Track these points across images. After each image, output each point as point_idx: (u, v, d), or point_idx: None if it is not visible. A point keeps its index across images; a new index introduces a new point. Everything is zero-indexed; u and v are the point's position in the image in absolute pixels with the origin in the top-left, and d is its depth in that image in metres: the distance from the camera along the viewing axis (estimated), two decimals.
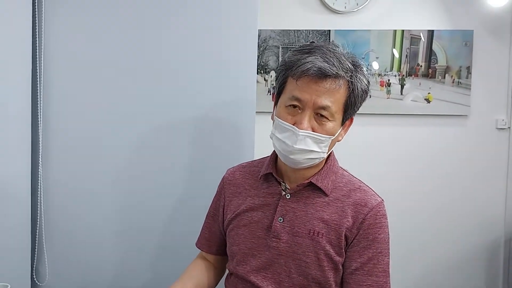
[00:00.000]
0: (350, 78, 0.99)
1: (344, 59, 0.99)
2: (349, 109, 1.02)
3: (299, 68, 0.97)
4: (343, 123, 1.04)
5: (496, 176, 2.38)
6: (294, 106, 0.99)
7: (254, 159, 1.25)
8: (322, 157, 1.02)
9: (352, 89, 1.00)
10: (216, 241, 1.21)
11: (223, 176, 1.20)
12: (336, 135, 1.02)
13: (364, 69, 1.03)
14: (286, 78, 1.02)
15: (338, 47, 1.02)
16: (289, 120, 0.99)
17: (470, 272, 2.41)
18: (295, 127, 0.98)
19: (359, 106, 1.05)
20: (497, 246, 2.40)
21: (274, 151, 1.11)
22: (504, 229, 2.39)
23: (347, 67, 0.99)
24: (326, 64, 0.96)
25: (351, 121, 1.08)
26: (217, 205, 1.19)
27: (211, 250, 1.22)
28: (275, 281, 1.04)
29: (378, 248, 1.03)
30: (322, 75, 0.96)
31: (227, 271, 1.19)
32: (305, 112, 0.98)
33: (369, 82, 1.05)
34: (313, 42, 1.08)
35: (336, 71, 0.96)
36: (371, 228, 1.03)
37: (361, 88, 1.02)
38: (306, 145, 0.98)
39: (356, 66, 1.01)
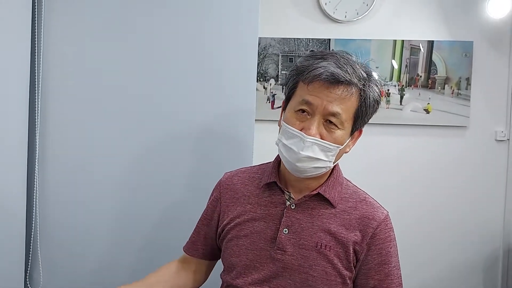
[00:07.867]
0: (363, 87, 0.97)
1: (358, 67, 0.97)
2: (360, 119, 1.00)
3: (311, 72, 0.94)
4: (352, 133, 1.01)
5: (494, 187, 2.37)
6: (303, 111, 0.96)
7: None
8: (328, 167, 0.99)
9: (364, 98, 0.97)
10: (204, 246, 1.17)
11: (220, 180, 1.16)
12: (344, 145, 0.99)
13: (377, 78, 1.01)
14: (297, 83, 0.99)
15: (351, 55, 0.99)
16: (297, 126, 0.96)
17: (468, 283, 2.39)
18: (302, 133, 0.94)
19: (370, 117, 1.02)
20: (495, 257, 2.39)
21: (276, 158, 1.08)
22: (502, 240, 2.38)
23: (360, 75, 0.96)
24: (339, 70, 0.93)
25: (360, 133, 1.05)
26: (213, 211, 1.14)
27: (197, 254, 1.17)
28: None
29: (392, 263, 1.01)
30: (335, 80, 0.93)
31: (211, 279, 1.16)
32: (314, 117, 0.95)
33: (380, 92, 1.02)
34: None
35: (349, 78, 0.94)
36: (382, 243, 1.01)
37: (373, 98, 0.99)
38: (313, 153, 0.94)
39: (369, 75, 0.99)
